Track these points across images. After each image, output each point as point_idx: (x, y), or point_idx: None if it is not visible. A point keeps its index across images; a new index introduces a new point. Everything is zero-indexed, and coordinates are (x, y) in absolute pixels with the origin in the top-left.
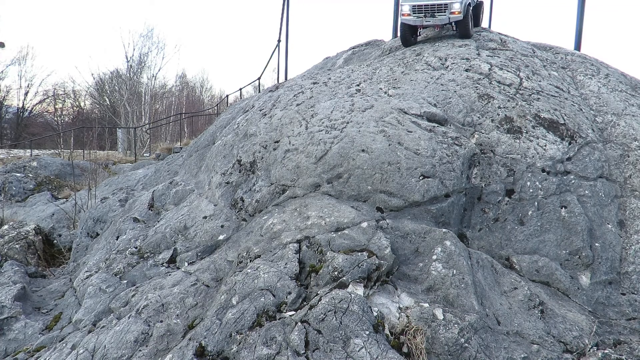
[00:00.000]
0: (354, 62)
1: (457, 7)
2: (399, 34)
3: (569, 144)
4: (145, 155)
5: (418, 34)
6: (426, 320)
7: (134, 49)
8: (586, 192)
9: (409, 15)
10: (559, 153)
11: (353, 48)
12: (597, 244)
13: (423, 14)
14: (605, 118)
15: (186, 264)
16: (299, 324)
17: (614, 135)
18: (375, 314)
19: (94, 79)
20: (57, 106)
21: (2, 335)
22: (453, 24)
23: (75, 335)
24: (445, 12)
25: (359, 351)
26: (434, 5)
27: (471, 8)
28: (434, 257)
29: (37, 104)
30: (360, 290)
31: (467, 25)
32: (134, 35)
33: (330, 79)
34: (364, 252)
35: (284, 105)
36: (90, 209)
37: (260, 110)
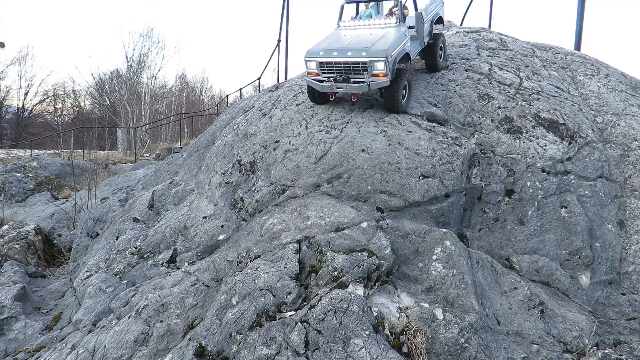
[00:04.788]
0: None
1: (381, 67)
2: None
3: (569, 144)
4: (145, 155)
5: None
6: (426, 320)
7: (134, 49)
8: (586, 192)
9: (317, 74)
10: (559, 153)
11: None
12: (597, 244)
13: (334, 76)
14: (605, 118)
15: (186, 264)
16: (299, 324)
17: (614, 135)
18: (375, 314)
19: (94, 79)
20: (57, 106)
21: (2, 335)
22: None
23: (75, 335)
24: (363, 74)
25: (359, 351)
26: (348, 63)
27: (409, 63)
28: (434, 257)
29: (37, 104)
30: (360, 290)
31: (396, 96)
32: (134, 35)
33: None
34: (364, 252)
35: (284, 105)
36: (90, 209)
37: (260, 110)
